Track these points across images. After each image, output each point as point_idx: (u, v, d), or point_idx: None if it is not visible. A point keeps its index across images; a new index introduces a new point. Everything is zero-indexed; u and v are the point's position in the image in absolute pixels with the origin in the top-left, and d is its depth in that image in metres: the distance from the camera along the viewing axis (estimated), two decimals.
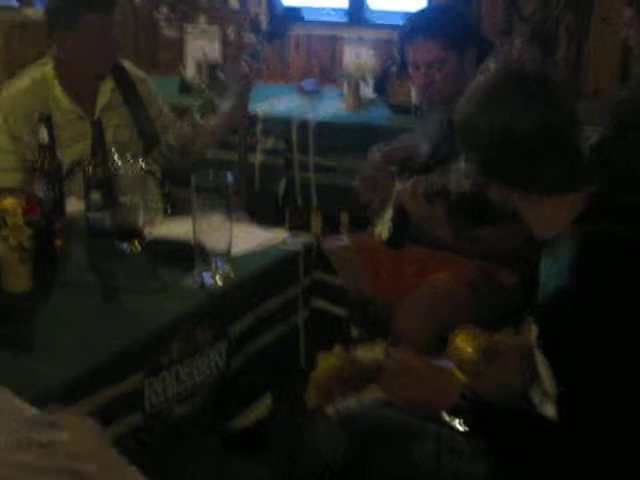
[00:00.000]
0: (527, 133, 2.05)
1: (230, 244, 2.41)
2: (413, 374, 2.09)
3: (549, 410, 2.00)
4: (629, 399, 1.90)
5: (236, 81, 3.41)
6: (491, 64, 3.69)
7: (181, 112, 3.76)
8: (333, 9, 6.02)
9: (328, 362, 2.15)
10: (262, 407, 2.85)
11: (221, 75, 5.24)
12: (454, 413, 2.02)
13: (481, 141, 2.12)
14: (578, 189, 2.10)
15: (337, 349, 2.18)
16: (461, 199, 2.92)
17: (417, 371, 2.10)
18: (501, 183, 2.15)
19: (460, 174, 2.77)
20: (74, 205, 2.82)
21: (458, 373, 2.10)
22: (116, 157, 2.72)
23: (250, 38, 6.01)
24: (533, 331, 2.05)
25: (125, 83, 3.49)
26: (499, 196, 2.18)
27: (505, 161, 2.10)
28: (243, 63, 3.39)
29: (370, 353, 2.15)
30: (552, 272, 2.03)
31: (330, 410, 2.18)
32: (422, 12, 3.48)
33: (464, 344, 2.13)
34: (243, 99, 3.49)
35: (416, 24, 3.31)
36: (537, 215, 2.14)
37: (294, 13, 3.48)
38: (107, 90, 3.45)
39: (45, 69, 3.39)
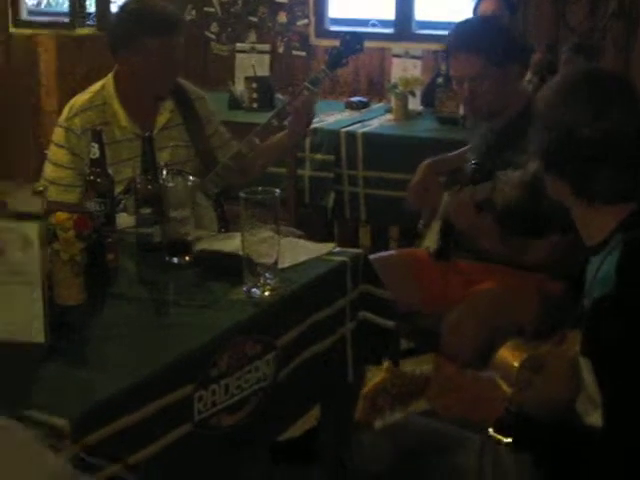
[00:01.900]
0: (595, 137, 2.04)
1: (278, 257, 2.43)
2: (460, 388, 2.10)
3: (595, 419, 2.00)
4: None
5: (297, 108, 3.42)
6: (529, 76, 3.70)
7: (232, 128, 3.80)
8: (379, 20, 6.05)
9: (377, 376, 2.17)
10: (310, 418, 2.87)
11: (280, 98, 5.28)
12: (499, 428, 2.03)
13: (551, 135, 2.11)
14: (630, 200, 2.10)
15: (386, 364, 2.19)
16: (506, 208, 2.93)
17: (463, 385, 2.11)
18: (557, 177, 2.15)
19: (504, 183, 2.78)
20: (125, 220, 2.87)
21: (503, 385, 2.10)
22: (166, 173, 2.77)
23: (299, 53, 6.08)
24: (578, 338, 2.05)
25: (184, 103, 3.52)
26: (553, 188, 2.18)
27: (567, 158, 2.10)
28: (305, 91, 3.41)
29: (418, 367, 2.17)
30: (598, 278, 2.03)
31: (378, 424, 2.19)
32: (464, 25, 3.45)
33: (509, 356, 2.13)
34: (304, 124, 3.51)
35: (459, 38, 3.31)
36: (586, 218, 2.14)
37: (357, 41, 3.47)
38: (166, 110, 3.48)
39: (106, 88, 3.43)
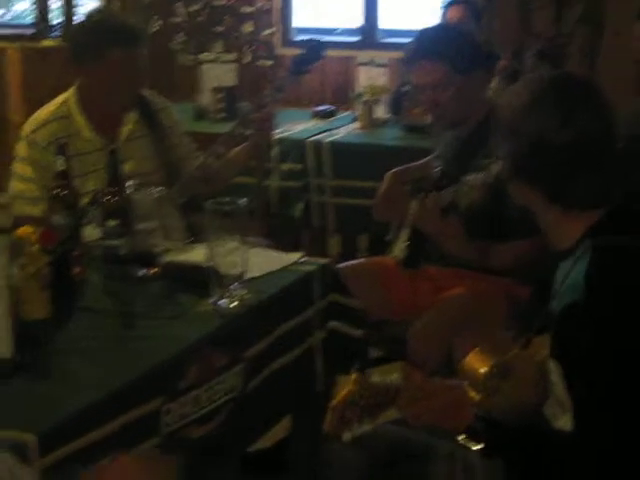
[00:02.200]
0: (564, 143, 2.03)
1: (245, 268, 2.43)
2: (429, 396, 2.10)
3: (563, 422, 2.00)
4: None
5: (261, 117, 3.41)
6: (495, 82, 3.71)
7: (198, 139, 3.78)
8: (344, 29, 6.07)
9: (345, 388, 2.16)
10: (281, 428, 2.87)
11: (244, 106, 5.26)
12: (468, 434, 2.03)
13: (520, 142, 2.09)
14: (599, 207, 2.10)
15: (354, 375, 2.18)
16: (470, 211, 2.93)
17: (432, 393, 2.11)
18: (527, 183, 2.13)
19: (468, 186, 2.78)
20: (91, 233, 2.85)
21: (472, 392, 2.10)
22: (132, 185, 2.76)
23: (265, 63, 6.08)
24: (545, 342, 2.06)
25: (148, 114, 3.50)
26: (521, 194, 2.18)
27: (537, 165, 2.08)
28: (268, 99, 3.40)
29: (387, 377, 2.16)
30: (567, 283, 2.03)
31: (346, 436, 2.18)
32: (426, 33, 3.41)
33: (476, 362, 2.13)
34: (267, 131, 3.51)
35: (420, 46, 3.29)
36: (554, 224, 2.13)
37: (319, 49, 3.47)
38: (130, 122, 3.45)
39: (69, 100, 3.40)
